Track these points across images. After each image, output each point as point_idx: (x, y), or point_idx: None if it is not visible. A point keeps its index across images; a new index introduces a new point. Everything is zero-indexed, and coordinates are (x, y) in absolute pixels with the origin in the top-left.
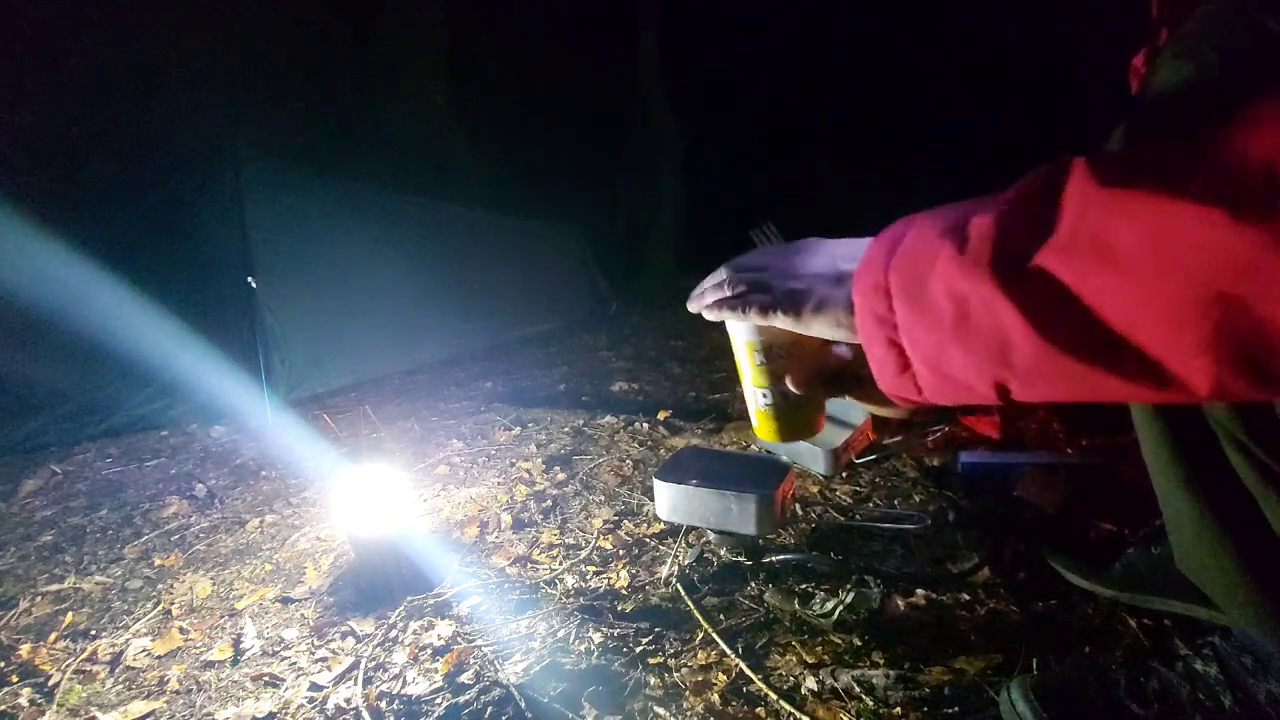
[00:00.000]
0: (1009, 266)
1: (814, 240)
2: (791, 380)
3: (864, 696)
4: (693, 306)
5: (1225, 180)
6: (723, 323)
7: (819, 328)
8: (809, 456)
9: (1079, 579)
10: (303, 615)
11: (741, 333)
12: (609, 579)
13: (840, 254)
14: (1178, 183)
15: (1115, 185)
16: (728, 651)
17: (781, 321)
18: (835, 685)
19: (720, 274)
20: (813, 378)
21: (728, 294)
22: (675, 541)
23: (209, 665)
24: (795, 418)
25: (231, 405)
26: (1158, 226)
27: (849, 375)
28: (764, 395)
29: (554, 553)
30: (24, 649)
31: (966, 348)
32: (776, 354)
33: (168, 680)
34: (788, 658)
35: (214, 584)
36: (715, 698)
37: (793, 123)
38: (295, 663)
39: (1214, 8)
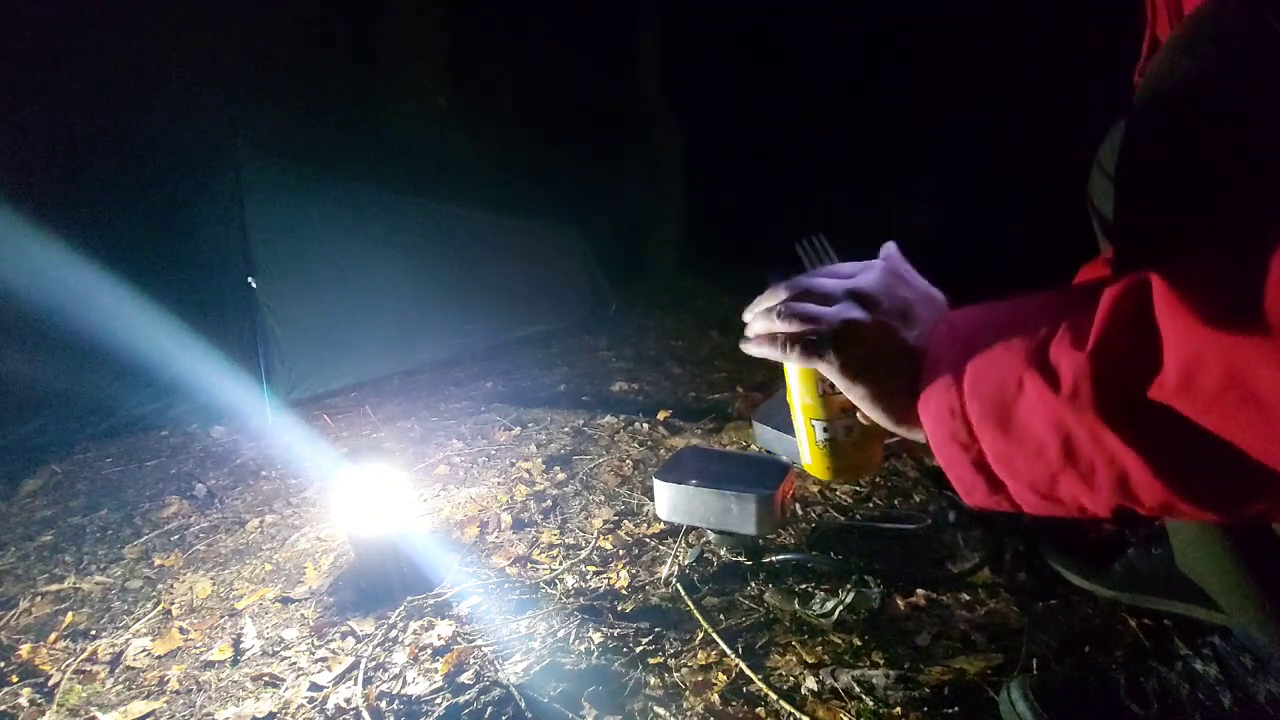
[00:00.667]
0: (1117, 408)
1: (879, 270)
2: (862, 411)
3: (864, 696)
4: (747, 317)
5: None
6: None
7: (876, 416)
8: None
9: (1079, 579)
10: (303, 615)
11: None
12: (609, 579)
13: (910, 322)
14: None
15: (1216, 317)
16: (728, 651)
17: (830, 376)
18: (835, 685)
19: (773, 296)
20: None
21: (778, 327)
22: (675, 541)
23: (209, 665)
24: (857, 454)
25: (231, 405)
26: None
27: None
28: (823, 429)
29: (554, 553)
30: (24, 649)
31: (1081, 481)
32: None
33: (168, 680)
34: (788, 658)
35: (214, 584)
36: (715, 698)
37: (794, 122)
38: (295, 663)
39: (1213, 5)
